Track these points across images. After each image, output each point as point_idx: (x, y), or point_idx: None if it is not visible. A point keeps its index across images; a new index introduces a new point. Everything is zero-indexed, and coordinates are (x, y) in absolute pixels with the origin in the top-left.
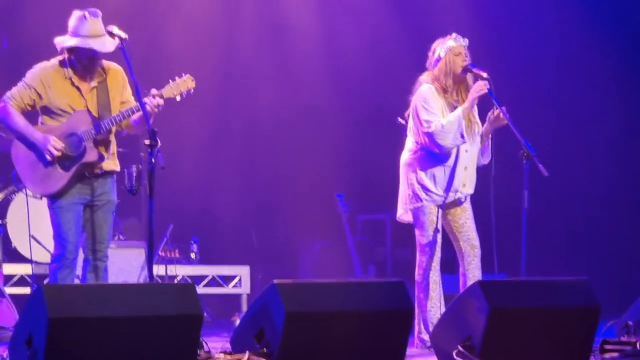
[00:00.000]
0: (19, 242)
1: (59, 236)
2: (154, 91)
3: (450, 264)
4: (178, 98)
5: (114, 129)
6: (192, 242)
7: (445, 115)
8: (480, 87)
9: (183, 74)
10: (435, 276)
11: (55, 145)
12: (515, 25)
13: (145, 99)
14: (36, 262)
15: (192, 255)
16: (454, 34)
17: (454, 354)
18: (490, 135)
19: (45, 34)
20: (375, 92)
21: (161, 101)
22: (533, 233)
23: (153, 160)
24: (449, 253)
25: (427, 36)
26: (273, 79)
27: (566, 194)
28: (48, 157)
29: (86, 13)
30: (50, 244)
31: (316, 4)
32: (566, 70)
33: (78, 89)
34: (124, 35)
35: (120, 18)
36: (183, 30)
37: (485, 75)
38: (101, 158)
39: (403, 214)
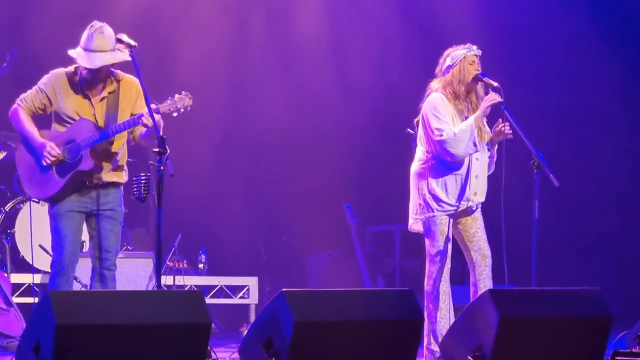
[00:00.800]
0: (27, 251)
1: (56, 243)
2: (151, 106)
3: (460, 275)
4: (175, 114)
5: (119, 140)
6: (200, 252)
7: (456, 122)
8: (493, 97)
9: (183, 92)
10: (445, 287)
11: (50, 152)
12: (524, 33)
13: (142, 111)
14: (43, 272)
15: (200, 266)
16: (468, 44)
17: None
18: (495, 147)
19: (54, 44)
20: (384, 103)
21: (157, 116)
22: (544, 243)
23: (162, 167)
24: (458, 264)
25: (436, 47)
26: (282, 91)
27: (577, 204)
28: (43, 163)
29: (92, 28)
30: None
31: (325, 15)
32: (576, 77)
33: (88, 97)
34: (133, 43)
35: (128, 31)
36: (192, 43)
37: (495, 84)
38: (97, 168)
39: (414, 223)
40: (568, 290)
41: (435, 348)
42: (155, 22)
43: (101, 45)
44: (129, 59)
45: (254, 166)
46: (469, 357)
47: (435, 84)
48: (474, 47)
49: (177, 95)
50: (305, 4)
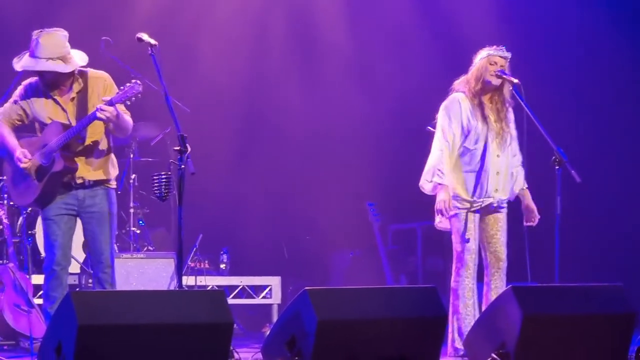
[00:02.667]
0: None
1: (46, 247)
2: (104, 99)
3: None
4: (128, 102)
5: (93, 137)
6: (221, 252)
7: (472, 120)
8: (445, 204)
9: (132, 80)
10: (470, 284)
11: (19, 157)
12: (544, 31)
13: (98, 106)
14: None
15: (222, 266)
16: (501, 46)
17: None
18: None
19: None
20: (406, 101)
21: (110, 108)
22: (566, 240)
23: (183, 166)
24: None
25: (458, 47)
26: (303, 89)
27: (599, 200)
28: (22, 167)
29: (37, 37)
30: (77, 254)
31: (346, 17)
32: (597, 73)
33: (57, 101)
34: (153, 42)
35: (148, 31)
36: (212, 44)
37: (516, 81)
38: (72, 167)
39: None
40: (591, 286)
41: (460, 345)
42: (175, 24)
43: (45, 52)
44: (71, 68)
45: (276, 165)
46: (492, 354)
47: (457, 82)
48: (504, 50)
49: (127, 84)
50: (325, 7)
